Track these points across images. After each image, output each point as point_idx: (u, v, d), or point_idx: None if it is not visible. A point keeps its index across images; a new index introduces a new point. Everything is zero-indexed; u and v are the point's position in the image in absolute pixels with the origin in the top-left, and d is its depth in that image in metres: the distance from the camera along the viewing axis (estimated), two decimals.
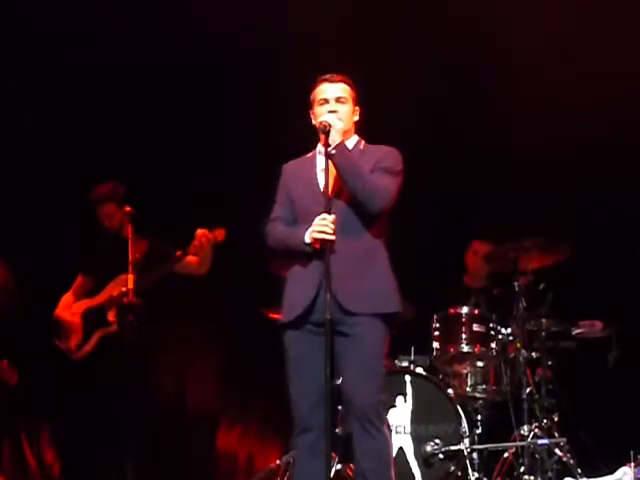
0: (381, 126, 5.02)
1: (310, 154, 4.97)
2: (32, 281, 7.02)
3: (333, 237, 4.66)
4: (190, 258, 6.50)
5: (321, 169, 4.83)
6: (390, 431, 4.80)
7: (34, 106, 7.06)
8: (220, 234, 6.44)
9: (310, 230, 4.72)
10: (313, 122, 4.95)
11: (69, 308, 6.64)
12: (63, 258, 6.86)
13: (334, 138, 4.78)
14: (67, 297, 6.69)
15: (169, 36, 6.96)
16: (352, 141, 4.95)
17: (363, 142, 4.98)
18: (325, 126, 4.78)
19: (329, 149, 4.74)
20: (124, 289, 6.15)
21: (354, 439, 4.70)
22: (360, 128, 5.00)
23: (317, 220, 4.70)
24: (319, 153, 4.91)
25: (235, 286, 7.35)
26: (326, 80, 4.92)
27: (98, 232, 6.62)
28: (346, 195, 4.78)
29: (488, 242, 7.11)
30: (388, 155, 4.90)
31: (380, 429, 4.68)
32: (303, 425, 4.72)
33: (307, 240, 4.74)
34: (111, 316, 6.46)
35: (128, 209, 6.34)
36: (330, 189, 4.80)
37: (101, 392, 6.33)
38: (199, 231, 6.39)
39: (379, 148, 4.94)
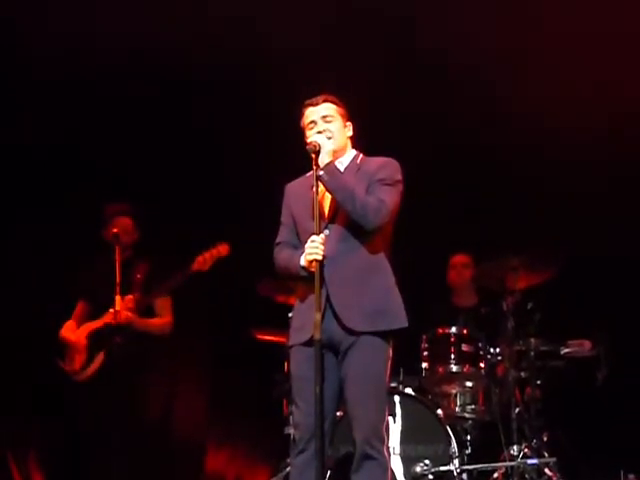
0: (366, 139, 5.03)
1: (309, 173, 4.94)
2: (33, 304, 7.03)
3: (321, 257, 4.67)
4: (158, 320, 6.50)
5: (320, 187, 4.82)
6: (389, 454, 4.76)
7: (35, 121, 7.06)
8: (224, 249, 6.42)
9: (303, 254, 4.73)
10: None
11: (74, 331, 6.56)
12: (65, 278, 6.82)
13: (323, 159, 4.77)
14: (70, 323, 6.61)
15: (172, 50, 6.98)
16: (349, 157, 4.96)
17: (361, 156, 4.97)
18: (315, 146, 4.78)
19: (317, 171, 4.74)
20: (111, 310, 6.13)
21: (355, 459, 4.69)
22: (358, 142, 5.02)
23: (308, 243, 4.71)
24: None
25: (223, 308, 7.33)
26: (310, 104, 4.94)
27: (98, 254, 6.58)
28: (342, 212, 4.78)
29: (465, 254, 7.16)
30: (384, 166, 4.87)
31: (380, 451, 4.67)
32: (303, 446, 4.70)
33: (302, 263, 4.74)
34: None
35: (115, 230, 6.32)
36: (327, 208, 4.83)
37: (88, 415, 6.30)
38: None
39: (374, 160, 4.92)
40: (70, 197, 7.14)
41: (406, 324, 4.79)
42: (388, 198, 4.79)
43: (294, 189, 5.01)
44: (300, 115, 4.97)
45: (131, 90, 7.05)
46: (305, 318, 4.72)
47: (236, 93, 7.18)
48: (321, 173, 4.73)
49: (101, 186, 7.03)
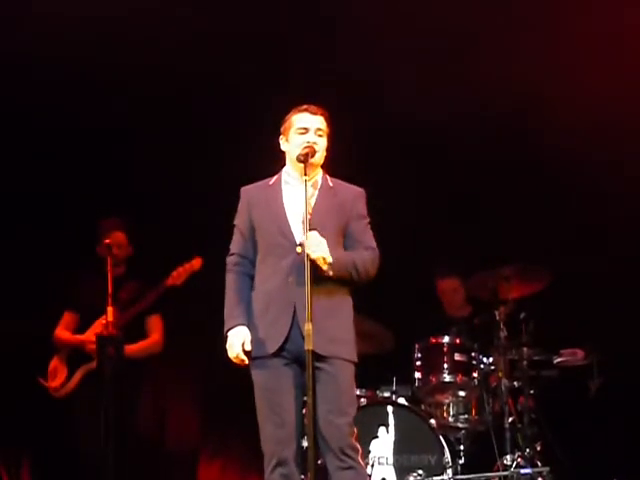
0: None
1: (272, 181, 4.91)
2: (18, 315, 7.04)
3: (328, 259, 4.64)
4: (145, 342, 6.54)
5: (289, 199, 4.81)
6: (366, 463, 4.80)
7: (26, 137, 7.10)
8: (197, 263, 6.51)
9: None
10: (282, 147, 4.91)
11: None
12: (51, 293, 6.86)
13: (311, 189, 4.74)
14: (60, 330, 6.65)
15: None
16: (319, 175, 4.89)
17: (328, 177, 4.91)
18: (306, 155, 4.71)
19: (326, 270, 4.65)
20: (104, 321, 6.13)
21: (329, 471, 4.69)
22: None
23: (310, 240, 4.63)
24: (285, 183, 4.87)
25: (216, 318, 7.30)
26: (307, 110, 4.85)
27: (89, 267, 6.60)
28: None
29: (452, 277, 7.13)
30: (359, 198, 4.89)
31: (358, 461, 4.68)
32: (278, 459, 4.66)
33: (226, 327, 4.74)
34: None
35: (107, 241, 6.32)
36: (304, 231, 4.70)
37: (80, 426, 6.34)
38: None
39: (349, 188, 4.91)
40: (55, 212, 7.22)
41: (357, 360, 4.78)
42: (374, 242, 4.83)
43: (255, 194, 4.90)
44: (289, 113, 4.88)
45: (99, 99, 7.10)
46: (269, 329, 4.71)
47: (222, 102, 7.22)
48: (331, 273, 4.67)
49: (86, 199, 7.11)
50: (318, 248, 4.61)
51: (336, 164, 4.92)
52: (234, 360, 4.71)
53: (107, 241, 6.33)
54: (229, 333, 4.73)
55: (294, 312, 4.67)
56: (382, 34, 6.86)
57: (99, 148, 7.18)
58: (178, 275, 6.47)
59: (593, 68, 6.77)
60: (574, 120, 6.76)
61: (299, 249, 4.70)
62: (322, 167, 4.90)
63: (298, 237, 4.72)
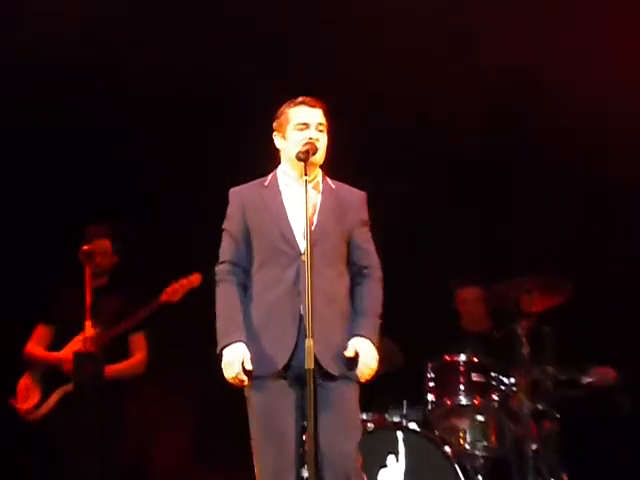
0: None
1: (268, 181, 4.68)
2: None
3: None
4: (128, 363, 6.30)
5: (290, 202, 4.58)
6: None
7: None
8: (195, 279, 6.27)
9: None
10: (277, 145, 4.68)
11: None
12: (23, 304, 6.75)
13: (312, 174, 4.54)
14: (30, 346, 6.38)
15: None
16: (319, 175, 4.68)
17: (328, 178, 4.71)
18: (307, 153, 4.46)
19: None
20: (82, 337, 5.92)
21: None
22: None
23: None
24: (284, 184, 4.64)
25: (205, 339, 7.16)
26: (305, 103, 4.60)
27: (69, 278, 6.35)
28: (322, 243, 4.50)
29: (475, 286, 6.87)
30: (363, 203, 4.73)
31: None
32: None
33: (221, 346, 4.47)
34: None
35: (86, 248, 6.09)
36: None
37: (58, 453, 6.05)
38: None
39: (352, 192, 4.74)
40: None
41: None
42: (375, 250, 4.70)
43: (249, 196, 4.66)
44: (284, 107, 4.65)
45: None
46: (273, 345, 4.47)
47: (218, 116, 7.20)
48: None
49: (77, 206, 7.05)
50: (374, 366, 4.53)
51: (336, 164, 4.76)
52: (231, 381, 4.46)
53: (85, 248, 6.09)
54: (225, 351, 4.45)
55: (299, 324, 4.44)
56: (382, 34, 6.90)
57: (99, 148, 7.14)
58: (174, 292, 6.22)
59: (593, 68, 6.70)
60: (576, 120, 6.72)
61: (304, 257, 4.44)
62: (321, 168, 4.68)
63: (302, 243, 4.49)
